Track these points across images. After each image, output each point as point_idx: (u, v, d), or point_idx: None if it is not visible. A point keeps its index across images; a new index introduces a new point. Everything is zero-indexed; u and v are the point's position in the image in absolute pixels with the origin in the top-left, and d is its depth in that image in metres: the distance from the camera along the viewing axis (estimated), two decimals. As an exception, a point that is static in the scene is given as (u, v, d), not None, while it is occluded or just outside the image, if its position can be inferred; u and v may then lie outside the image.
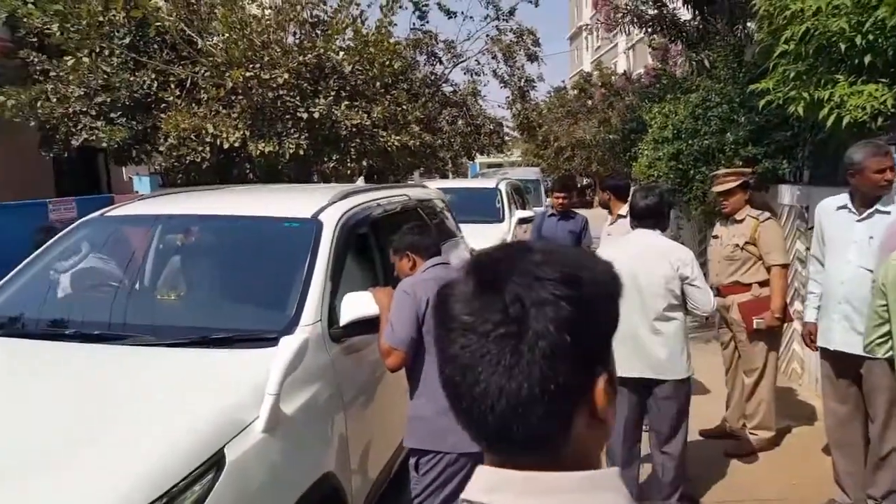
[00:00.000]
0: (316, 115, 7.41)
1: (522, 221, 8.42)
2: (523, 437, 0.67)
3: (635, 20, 9.17)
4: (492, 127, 13.21)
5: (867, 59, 3.74)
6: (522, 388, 0.65)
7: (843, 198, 3.32)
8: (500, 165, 27.06)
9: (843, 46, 3.77)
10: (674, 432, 3.37)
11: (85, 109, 7.39)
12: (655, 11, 8.80)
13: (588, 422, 0.69)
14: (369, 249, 3.57)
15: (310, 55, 7.69)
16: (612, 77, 22.45)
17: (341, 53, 8.23)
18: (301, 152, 7.43)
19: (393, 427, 3.09)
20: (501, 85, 13.00)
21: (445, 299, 0.71)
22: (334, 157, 8.15)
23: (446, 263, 2.91)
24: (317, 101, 7.53)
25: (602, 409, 0.69)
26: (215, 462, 1.91)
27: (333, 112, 7.56)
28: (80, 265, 3.43)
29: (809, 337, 3.58)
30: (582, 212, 6.28)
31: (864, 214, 3.20)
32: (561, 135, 25.94)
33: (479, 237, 5.93)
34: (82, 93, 7.30)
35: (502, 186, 9.56)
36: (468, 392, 0.68)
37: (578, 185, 28.50)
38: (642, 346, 3.22)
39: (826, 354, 3.40)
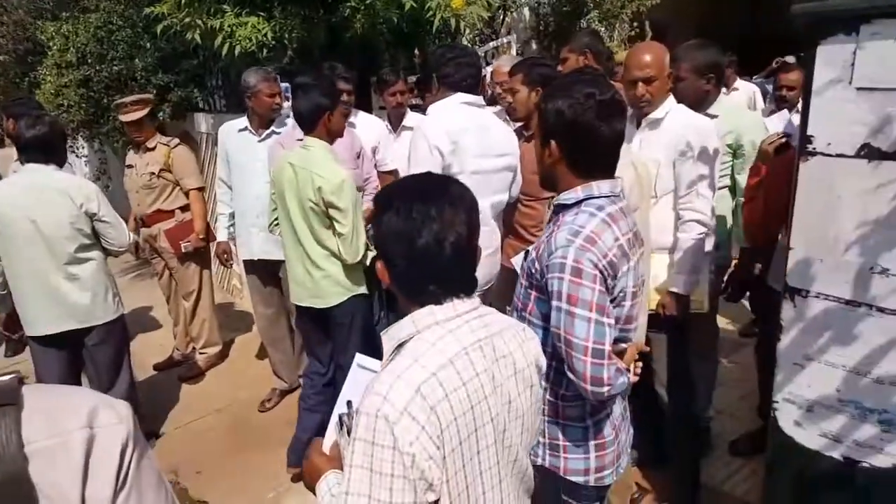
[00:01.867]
0: None
1: None
2: None
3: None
4: None
5: (247, -9, 4.03)
6: None
7: (244, 121, 3.61)
8: None
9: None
10: (115, 376, 3.21)
11: None
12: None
13: None
14: None
15: None
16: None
17: None
18: None
19: None
20: None
21: None
22: None
23: None
24: None
25: None
26: None
27: None
28: None
29: (224, 255, 3.85)
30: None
31: (263, 136, 3.56)
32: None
33: None
34: None
35: None
36: None
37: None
38: (60, 295, 2.88)
39: (250, 265, 3.72)
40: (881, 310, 1.47)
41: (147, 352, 4.58)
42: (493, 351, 1.16)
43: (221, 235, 3.83)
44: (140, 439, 0.81)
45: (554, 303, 1.44)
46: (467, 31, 4.69)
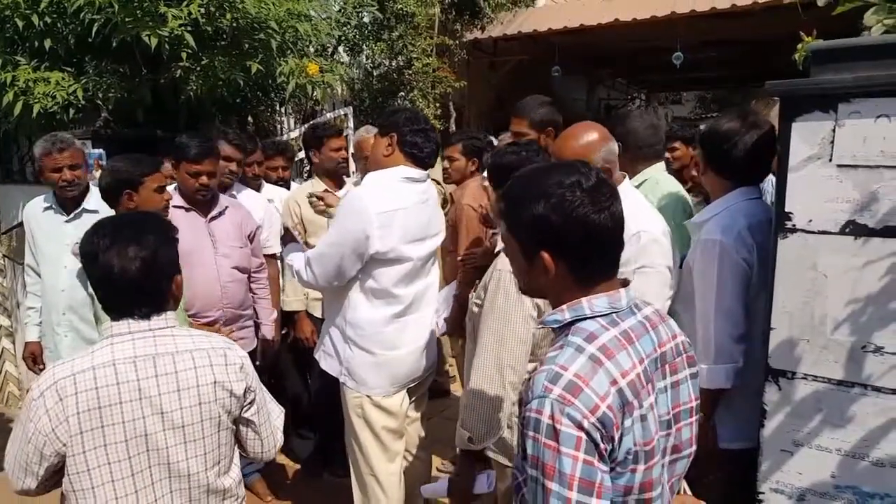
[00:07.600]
0: None
1: None
2: None
3: None
4: None
5: (48, 43, 3.25)
6: None
7: (50, 197, 2.82)
8: None
9: (20, 24, 3.16)
10: None
11: None
12: None
13: None
14: None
15: None
16: None
17: None
18: None
19: None
20: None
21: None
22: None
23: None
24: None
25: None
26: None
27: None
28: None
29: (32, 358, 2.92)
30: None
31: (72, 215, 2.80)
32: None
33: None
34: None
35: None
36: None
37: None
38: None
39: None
40: (877, 389, 1.37)
41: None
42: (153, 367, 1.31)
43: (31, 335, 2.91)
44: None
45: (529, 470, 1.02)
46: (318, 98, 4.31)
